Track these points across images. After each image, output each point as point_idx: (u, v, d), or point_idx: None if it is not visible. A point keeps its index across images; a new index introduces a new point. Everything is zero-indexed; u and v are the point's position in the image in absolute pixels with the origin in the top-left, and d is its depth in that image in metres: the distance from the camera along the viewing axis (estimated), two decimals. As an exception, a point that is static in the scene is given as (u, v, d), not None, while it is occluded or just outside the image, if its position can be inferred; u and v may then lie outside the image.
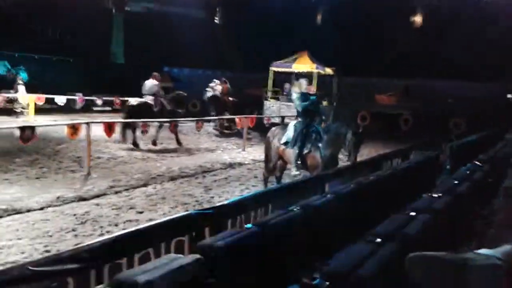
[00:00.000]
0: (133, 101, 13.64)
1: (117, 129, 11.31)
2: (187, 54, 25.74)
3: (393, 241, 2.68)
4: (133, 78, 19.61)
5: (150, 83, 13.54)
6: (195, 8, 29.03)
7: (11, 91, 19.23)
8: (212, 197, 7.94)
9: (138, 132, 12.51)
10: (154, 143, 12.91)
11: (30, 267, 2.10)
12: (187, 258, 2.14)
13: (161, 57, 25.71)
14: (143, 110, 12.88)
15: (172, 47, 26.21)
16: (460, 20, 21.84)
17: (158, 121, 12.98)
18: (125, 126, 12.42)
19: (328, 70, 19.18)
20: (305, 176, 7.65)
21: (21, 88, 19.22)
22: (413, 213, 3.37)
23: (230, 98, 18.83)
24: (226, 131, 17.35)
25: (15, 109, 18.77)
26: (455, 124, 20.34)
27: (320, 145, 7.76)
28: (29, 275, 2.12)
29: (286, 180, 8.48)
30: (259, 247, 2.65)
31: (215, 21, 30.67)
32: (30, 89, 19.50)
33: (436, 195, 4.09)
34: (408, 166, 6.99)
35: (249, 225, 2.93)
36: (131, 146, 12.49)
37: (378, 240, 2.67)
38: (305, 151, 7.80)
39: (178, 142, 13.44)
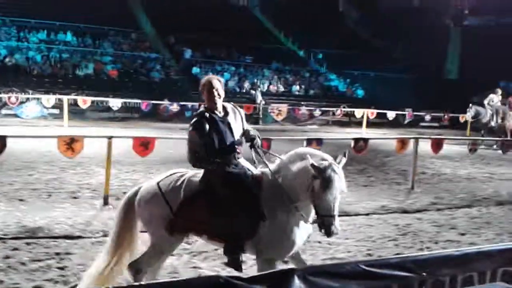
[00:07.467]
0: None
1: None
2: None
3: None
4: (466, 94, 19.25)
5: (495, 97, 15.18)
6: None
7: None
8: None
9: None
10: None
11: (362, 266, 2.38)
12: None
13: (497, 72, 23.81)
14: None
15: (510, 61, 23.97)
16: None
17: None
18: None
19: None
20: None
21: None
22: None
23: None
24: None
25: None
26: None
27: None
28: (360, 272, 2.39)
29: None
30: None
31: None
32: (363, 104, 21.43)
33: None
34: None
35: None
36: (457, 164, 12.23)
37: None
38: None
39: None
